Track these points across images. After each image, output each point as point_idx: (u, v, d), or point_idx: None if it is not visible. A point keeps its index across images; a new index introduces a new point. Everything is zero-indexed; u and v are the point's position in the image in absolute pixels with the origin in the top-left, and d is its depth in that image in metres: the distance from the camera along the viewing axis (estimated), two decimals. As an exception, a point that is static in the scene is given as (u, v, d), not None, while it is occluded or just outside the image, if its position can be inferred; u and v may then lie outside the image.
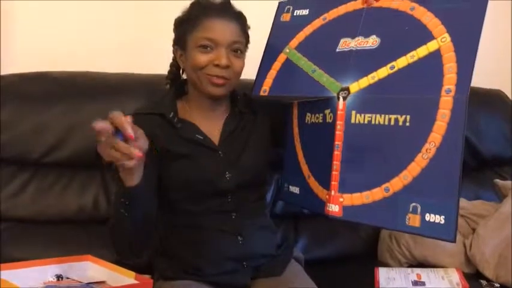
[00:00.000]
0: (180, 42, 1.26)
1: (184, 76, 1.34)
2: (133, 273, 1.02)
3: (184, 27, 1.23)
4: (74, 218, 1.59)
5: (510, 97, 2.05)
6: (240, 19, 1.25)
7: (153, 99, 1.31)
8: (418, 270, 1.52)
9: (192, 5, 1.26)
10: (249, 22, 1.28)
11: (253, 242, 1.27)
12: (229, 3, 1.26)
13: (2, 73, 1.63)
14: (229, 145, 1.28)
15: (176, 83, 1.34)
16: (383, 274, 1.49)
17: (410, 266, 1.63)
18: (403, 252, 1.65)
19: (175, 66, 1.34)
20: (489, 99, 1.98)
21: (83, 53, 1.79)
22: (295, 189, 1.27)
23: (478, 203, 1.72)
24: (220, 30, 1.20)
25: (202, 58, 1.20)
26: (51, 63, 1.69)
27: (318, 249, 1.73)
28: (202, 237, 1.24)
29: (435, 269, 1.53)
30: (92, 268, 1.10)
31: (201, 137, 1.26)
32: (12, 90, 1.59)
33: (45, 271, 1.05)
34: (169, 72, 1.36)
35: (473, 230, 1.63)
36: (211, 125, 1.29)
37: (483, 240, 1.56)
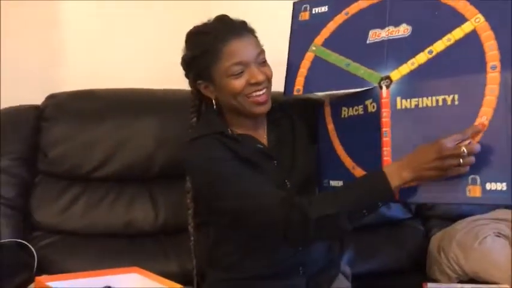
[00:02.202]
0: (202, 75, 1.23)
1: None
2: (179, 286, 1.04)
3: (203, 60, 1.21)
4: (122, 231, 1.63)
5: None
6: (247, 28, 1.24)
7: (199, 125, 1.30)
8: (468, 287, 1.47)
9: (196, 37, 1.24)
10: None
11: (311, 247, 1.27)
12: (228, 17, 1.24)
13: (55, 92, 1.69)
14: (279, 153, 1.28)
15: (201, 114, 1.33)
16: (431, 291, 1.45)
17: (461, 281, 1.57)
18: (452, 267, 1.60)
19: (198, 99, 1.32)
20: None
21: (130, 70, 1.84)
22: (337, 183, 1.25)
23: (532, 216, 1.66)
24: (243, 50, 1.19)
25: (238, 83, 1.19)
26: (100, 81, 1.74)
27: (363, 263, 1.70)
28: (263, 244, 1.24)
29: (487, 285, 1.48)
30: (139, 280, 1.12)
31: (261, 146, 1.26)
32: (63, 108, 1.66)
33: (94, 283, 1.08)
34: (192, 106, 1.33)
35: (528, 244, 1.57)
36: (258, 136, 1.28)
37: (539, 255, 1.50)
